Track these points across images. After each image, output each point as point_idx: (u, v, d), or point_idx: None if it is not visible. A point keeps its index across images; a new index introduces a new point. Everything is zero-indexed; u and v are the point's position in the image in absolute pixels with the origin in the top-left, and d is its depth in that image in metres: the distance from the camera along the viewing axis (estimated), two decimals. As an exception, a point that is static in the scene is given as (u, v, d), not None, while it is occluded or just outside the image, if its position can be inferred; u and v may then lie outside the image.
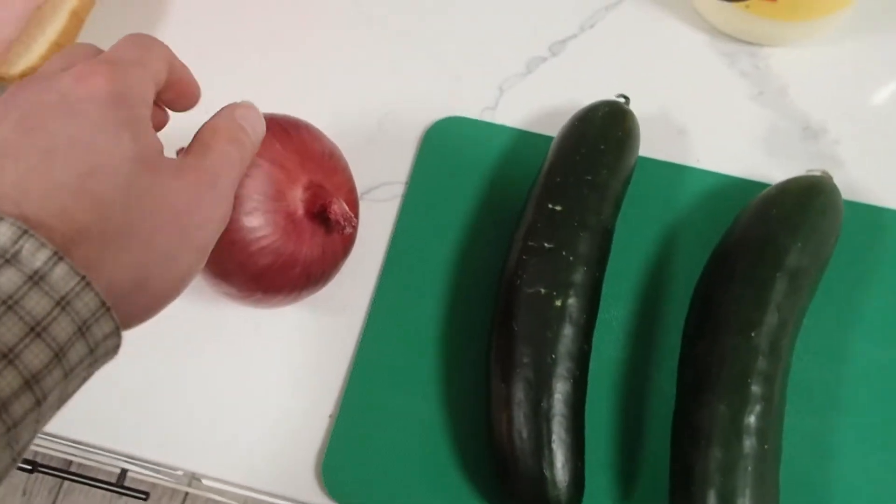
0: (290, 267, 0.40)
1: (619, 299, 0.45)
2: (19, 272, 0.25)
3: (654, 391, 0.43)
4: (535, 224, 0.42)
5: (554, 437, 0.38)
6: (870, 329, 0.44)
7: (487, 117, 0.51)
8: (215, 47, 0.54)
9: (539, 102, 0.51)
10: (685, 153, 0.50)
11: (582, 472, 0.39)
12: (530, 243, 0.41)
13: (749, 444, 0.37)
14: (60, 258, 0.25)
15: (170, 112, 0.36)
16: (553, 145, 0.46)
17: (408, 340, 0.45)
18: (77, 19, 0.51)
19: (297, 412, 0.44)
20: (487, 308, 0.44)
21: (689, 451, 0.38)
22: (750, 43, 0.53)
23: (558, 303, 0.40)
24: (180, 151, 0.39)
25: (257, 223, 0.38)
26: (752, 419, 0.37)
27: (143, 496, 0.83)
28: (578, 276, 0.41)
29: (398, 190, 0.49)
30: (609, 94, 0.47)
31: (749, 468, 0.37)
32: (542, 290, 0.40)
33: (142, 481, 0.95)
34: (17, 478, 1.17)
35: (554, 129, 0.47)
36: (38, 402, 0.25)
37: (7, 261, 0.25)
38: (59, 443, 0.57)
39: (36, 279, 0.25)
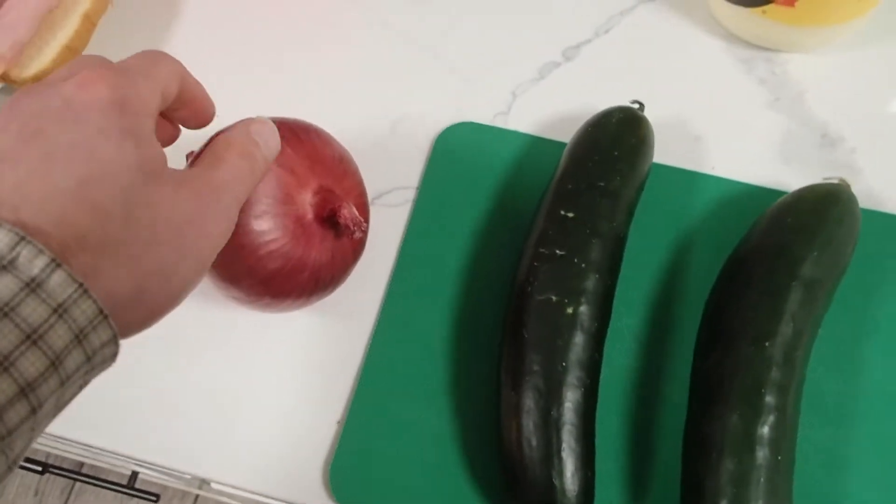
0: (299, 271, 0.40)
1: (631, 307, 0.45)
2: (16, 279, 0.24)
3: (665, 400, 0.43)
4: (547, 231, 0.42)
5: (564, 445, 0.38)
6: (886, 339, 0.43)
7: (500, 123, 0.51)
8: (227, 52, 0.54)
9: (552, 108, 0.51)
10: (700, 160, 0.49)
11: (592, 481, 0.39)
12: (542, 250, 0.41)
13: (762, 455, 0.36)
14: (58, 265, 0.25)
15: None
16: (566, 151, 0.45)
17: (417, 346, 0.45)
18: (89, 23, 0.51)
19: (304, 417, 0.44)
20: (498, 315, 0.44)
21: (701, 462, 0.37)
22: (767, 49, 0.52)
23: (569, 310, 0.39)
24: (190, 155, 0.39)
25: (266, 227, 0.38)
26: (765, 430, 0.37)
27: (154, 498, 0.83)
28: (590, 283, 0.40)
29: (409, 195, 0.49)
30: (623, 100, 0.47)
31: (761, 480, 0.36)
32: (554, 298, 0.40)
33: (153, 483, 0.95)
34: (30, 478, 1.17)
35: (567, 136, 0.46)
36: (34, 411, 0.25)
37: (4, 267, 0.24)
38: (71, 444, 0.57)
39: (33, 286, 0.25)
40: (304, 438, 0.43)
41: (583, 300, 0.40)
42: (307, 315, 0.46)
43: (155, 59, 0.32)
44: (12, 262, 0.24)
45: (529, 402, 0.38)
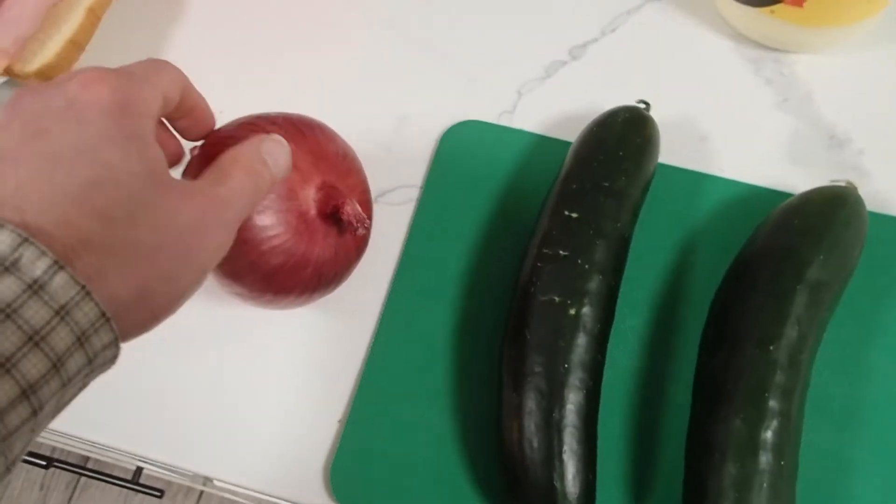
0: (302, 267, 0.39)
1: (635, 308, 0.44)
2: (18, 280, 0.24)
3: (668, 403, 0.43)
4: (551, 231, 0.41)
5: (565, 448, 0.38)
6: (893, 344, 0.43)
7: (505, 121, 0.51)
8: (232, 47, 0.54)
9: (558, 107, 0.51)
10: (706, 161, 0.49)
11: (593, 484, 0.38)
12: (545, 250, 0.41)
13: (765, 459, 0.36)
14: (61, 267, 0.25)
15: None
16: (571, 151, 0.45)
17: (419, 345, 0.44)
18: (93, 16, 0.50)
19: (306, 416, 0.44)
20: (500, 315, 0.43)
21: (704, 466, 0.37)
22: (775, 49, 0.52)
23: (572, 311, 0.39)
24: (194, 150, 0.39)
25: (269, 222, 0.38)
26: (768, 434, 0.36)
27: (159, 493, 0.83)
28: (593, 284, 0.40)
29: (413, 193, 0.49)
30: (629, 100, 0.46)
31: (764, 484, 0.36)
32: (557, 299, 0.39)
33: (157, 479, 0.95)
34: (35, 473, 1.18)
35: (572, 135, 0.46)
36: (35, 412, 0.25)
37: (6, 269, 0.24)
38: (76, 439, 0.57)
39: (35, 288, 0.25)
40: (305, 437, 0.43)
41: (586, 301, 0.40)
42: (309, 312, 0.46)
43: (157, 66, 0.33)
44: (15, 263, 0.24)
45: (531, 403, 0.38)
